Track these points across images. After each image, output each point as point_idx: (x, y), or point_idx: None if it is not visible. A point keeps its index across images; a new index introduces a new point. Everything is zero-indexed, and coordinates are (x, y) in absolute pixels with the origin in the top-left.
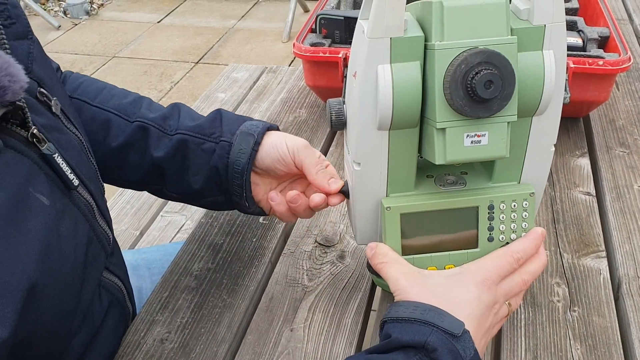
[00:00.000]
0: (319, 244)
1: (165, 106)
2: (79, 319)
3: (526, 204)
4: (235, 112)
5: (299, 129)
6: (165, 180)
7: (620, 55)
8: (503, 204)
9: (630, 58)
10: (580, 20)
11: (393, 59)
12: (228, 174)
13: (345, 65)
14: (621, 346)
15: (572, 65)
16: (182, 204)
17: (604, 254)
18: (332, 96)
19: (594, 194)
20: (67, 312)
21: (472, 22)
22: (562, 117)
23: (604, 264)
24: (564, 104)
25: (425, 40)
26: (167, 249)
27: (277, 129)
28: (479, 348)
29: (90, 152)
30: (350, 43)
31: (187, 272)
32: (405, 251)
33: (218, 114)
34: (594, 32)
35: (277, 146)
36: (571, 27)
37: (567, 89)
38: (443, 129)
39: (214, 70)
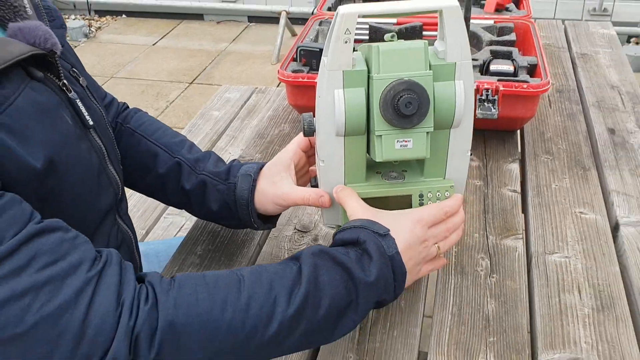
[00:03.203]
0: (297, 230)
1: (201, 149)
2: (95, 224)
3: (447, 194)
4: (228, 128)
5: (282, 141)
6: (192, 205)
7: (542, 80)
8: (430, 193)
9: (549, 82)
10: (515, 51)
11: (345, 86)
12: (237, 206)
13: None
14: (528, 302)
15: (502, 88)
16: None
17: (521, 236)
18: (309, 111)
19: (519, 192)
20: (88, 205)
21: (399, 60)
22: (498, 130)
23: (520, 244)
24: (492, 118)
25: (368, 72)
26: (171, 241)
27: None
28: (409, 269)
29: (108, 122)
30: None
31: (192, 252)
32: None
33: (231, 167)
34: (524, 60)
35: (266, 195)
36: (507, 56)
37: (497, 106)
38: (380, 136)
39: (207, 90)
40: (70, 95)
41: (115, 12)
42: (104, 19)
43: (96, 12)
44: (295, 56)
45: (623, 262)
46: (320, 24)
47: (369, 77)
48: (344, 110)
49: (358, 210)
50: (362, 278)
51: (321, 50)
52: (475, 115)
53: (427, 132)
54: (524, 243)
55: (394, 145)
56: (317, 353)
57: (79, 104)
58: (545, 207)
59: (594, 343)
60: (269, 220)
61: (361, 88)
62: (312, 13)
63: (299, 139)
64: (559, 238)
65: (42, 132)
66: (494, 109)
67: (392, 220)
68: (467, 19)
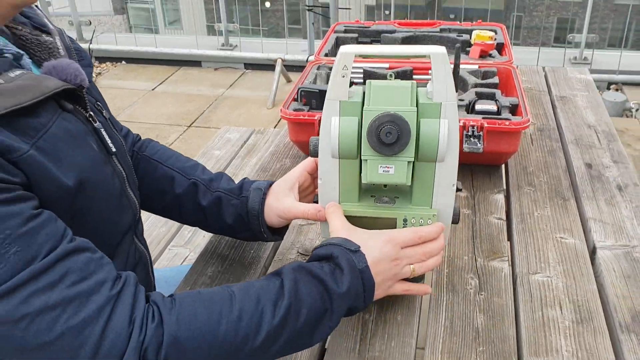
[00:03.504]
0: (300, 253)
1: (213, 172)
2: (117, 241)
3: (430, 221)
4: (229, 166)
5: (284, 174)
6: (207, 221)
7: (522, 118)
8: (413, 219)
9: (529, 120)
10: (498, 92)
11: (341, 114)
12: (249, 218)
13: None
14: (514, 315)
15: (486, 125)
16: (186, 240)
17: (506, 258)
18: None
19: (504, 219)
20: (112, 223)
21: (388, 96)
22: (484, 165)
23: (506, 265)
24: (478, 152)
25: (363, 104)
26: (179, 269)
27: (273, 183)
28: (378, 282)
29: (127, 150)
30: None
31: (203, 273)
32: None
33: (243, 183)
34: (507, 101)
35: (272, 209)
36: (491, 97)
37: (482, 141)
38: (366, 160)
39: (205, 133)
40: (95, 125)
41: (115, 59)
42: (104, 65)
43: (97, 58)
44: (296, 96)
45: (600, 281)
46: (318, 69)
47: (362, 108)
48: (338, 135)
49: (338, 228)
50: (335, 289)
51: (320, 91)
52: (462, 149)
53: (408, 162)
54: (510, 264)
55: (377, 169)
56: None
57: (103, 132)
58: (528, 233)
59: (574, 351)
60: (276, 233)
61: (355, 117)
62: (307, 60)
63: (306, 162)
64: (541, 260)
65: (73, 156)
66: (479, 143)
67: (365, 238)
68: (456, 66)
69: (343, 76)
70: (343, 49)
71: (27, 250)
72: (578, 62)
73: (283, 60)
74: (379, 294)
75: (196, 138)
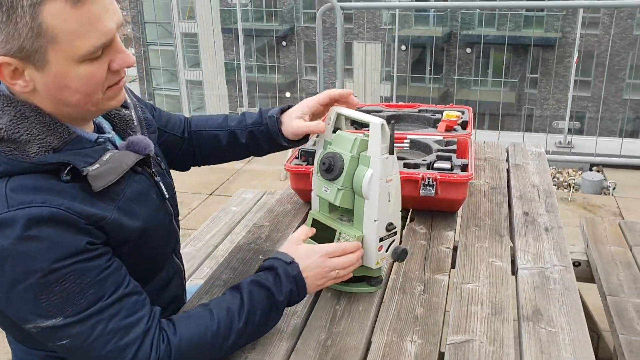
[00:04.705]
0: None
1: (237, 114)
2: (163, 261)
3: (352, 239)
4: (243, 219)
5: (284, 215)
6: (248, 149)
7: (468, 173)
8: (345, 235)
9: (472, 175)
10: (454, 156)
11: (323, 148)
12: (273, 136)
13: None
14: (444, 309)
15: (438, 177)
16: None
17: (447, 273)
18: (308, 195)
19: (452, 248)
20: (161, 250)
21: (342, 143)
22: (439, 210)
23: (446, 278)
24: (431, 196)
25: None
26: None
27: (289, 107)
28: (309, 283)
29: (175, 192)
30: None
31: (219, 279)
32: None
33: (260, 112)
34: (459, 162)
35: (286, 127)
36: (447, 159)
37: (436, 189)
38: (317, 180)
39: (224, 200)
40: (156, 179)
41: None
42: None
43: None
44: (297, 155)
45: (515, 289)
46: (317, 137)
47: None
48: (316, 160)
49: (295, 237)
50: (276, 292)
51: (314, 151)
52: (419, 194)
53: (338, 189)
54: (449, 278)
55: (322, 188)
56: (301, 333)
57: (161, 184)
58: (468, 258)
59: (484, 331)
60: (298, 142)
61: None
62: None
63: (320, 96)
64: (474, 275)
65: (140, 209)
66: (433, 190)
67: (301, 252)
68: (392, 136)
69: (328, 124)
70: (333, 108)
71: (99, 292)
72: (563, 146)
73: None
74: (311, 290)
75: (216, 204)
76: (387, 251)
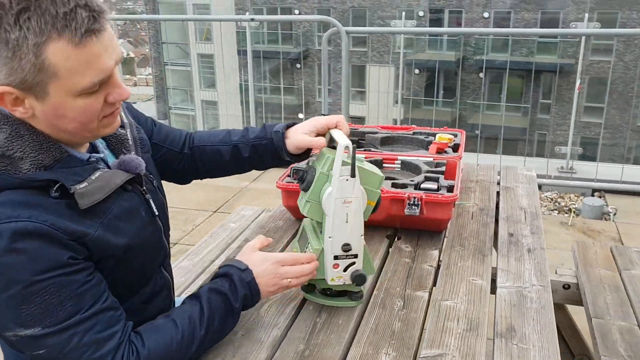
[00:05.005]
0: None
1: (240, 129)
2: (151, 274)
3: (312, 251)
4: (241, 235)
5: (275, 231)
6: (252, 163)
7: (452, 193)
8: (309, 245)
9: (457, 195)
10: (441, 177)
11: (316, 164)
12: (277, 151)
13: None
14: (422, 324)
15: (424, 197)
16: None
17: (427, 290)
18: (298, 211)
19: (435, 266)
20: (149, 264)
21: (322, 161)
22: (426, 230)
23: (426, 294)
24: (414, 215)
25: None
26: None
27: (292, 124)
28: (262, 289)
29: (167, 208)
30: None
31: None
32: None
33: (264, 127)
34: (446, 182)
35: (291, 142)
36: (435, 180)
37: (420, 208)
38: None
39: (227, 217)
40: (146, 196)
41: None
42: None
43: None
44: (289, 173)
45: (494, 306)
46: (311, 155)
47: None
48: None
49: (250, 245)
50: (232, 298)
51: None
52: (404, 213)
53: (307, 200)
54: (429, 295)
55: (302, 199)
56: (281, 343)
57: (151, 201)
58: (449, 276)
59: (458, 346)
60: (299, 157)
61: None
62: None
63: (329, 119)
64: (453, 292)
65: (125, 227)
66: (417, 209)
67: (255, 259)
68: (354, 157)
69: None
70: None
71: (77, 305)
72: (565, 171)
73: None
74: (264, 295)
75: (219, 221)
76: (345, 271)
